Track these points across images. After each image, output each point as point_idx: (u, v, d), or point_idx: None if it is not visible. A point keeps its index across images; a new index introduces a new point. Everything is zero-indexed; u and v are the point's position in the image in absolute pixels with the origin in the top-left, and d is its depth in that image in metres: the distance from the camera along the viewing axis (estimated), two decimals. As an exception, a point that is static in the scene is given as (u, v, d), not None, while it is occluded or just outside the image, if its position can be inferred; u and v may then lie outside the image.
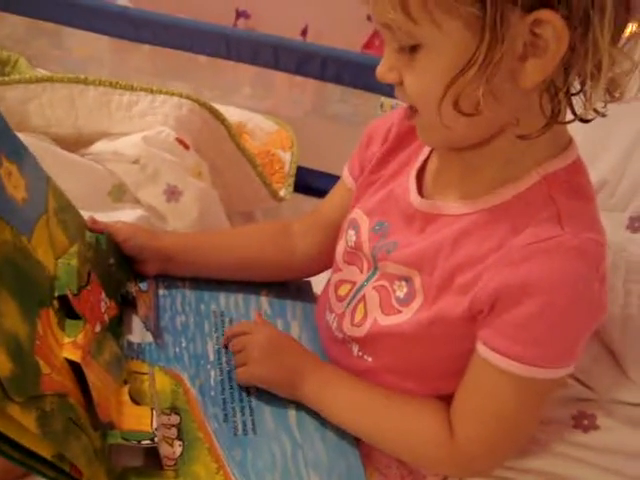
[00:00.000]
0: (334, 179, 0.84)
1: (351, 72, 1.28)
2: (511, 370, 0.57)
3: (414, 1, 0.50)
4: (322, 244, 0.83)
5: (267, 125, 1.33)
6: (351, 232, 0.73)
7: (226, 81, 1.43)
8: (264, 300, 0.83)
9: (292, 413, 0.69)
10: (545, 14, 0.49)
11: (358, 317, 0.71)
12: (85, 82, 0.95)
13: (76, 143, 1.00)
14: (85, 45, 1.51)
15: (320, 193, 0.96)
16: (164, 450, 0.60)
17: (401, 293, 0.66)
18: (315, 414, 0.69)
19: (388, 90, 1.26)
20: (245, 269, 0.83)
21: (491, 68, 0.50)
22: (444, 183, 0.65)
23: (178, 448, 0.61)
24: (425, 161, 0.69)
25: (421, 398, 0.67)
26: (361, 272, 0.72)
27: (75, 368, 0.57)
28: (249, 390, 0.70)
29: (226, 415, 0.67)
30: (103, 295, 0.69)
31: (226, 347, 0.74)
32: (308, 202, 1.29)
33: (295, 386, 0.69)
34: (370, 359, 0.70)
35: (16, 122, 0.92)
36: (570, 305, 0.56)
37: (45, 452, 0.49)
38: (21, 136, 0.65)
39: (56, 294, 0.60)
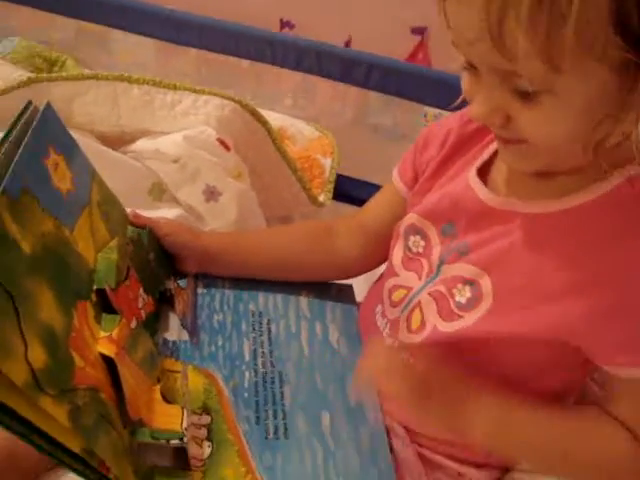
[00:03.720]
0: (374, 188, 0.82)
1: (396, 81, 1.27)
2: None
3: (565, 52, 0.45)
4: (365, 246, 0.81)
5: (308, 131, 1.31)
6: (415, 237, 0.70)
7: (268, 89, 1.43)
8: (303, 301, 0.81)
9: (326, 420, 0.67)
10: None
11: (415, 324, 0.68)
12: (129, 80, 0.96)
13: (119, 141, 1.00)
14: (131, 50, 1.53)
15: (359, 201, 0.95)
16: (192, 450, 0.59)
17: (462, 298, 0.63)
18: (349, 421, 0.67)
19: (432, 100, 1.27)
20: (285, 269, 0.82)
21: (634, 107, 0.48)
22: (519, 182, 0.63)
23: (207, 449, 0.60)
24: (487, 160, 0.67)
25: (585, 408, 0.63)
26: (419, 278, 0.69)
27: (108, 363, 0.56)
28: (283, 393, 0.68)
29: (258, 418, 0.65)
30: (141, 291, 0.68)
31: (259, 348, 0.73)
32: (347, 210, 1.27)
33: (458, 416, 0.61)
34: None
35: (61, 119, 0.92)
36: None
37: (74, 446, 0.48)
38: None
39: (94, 287, 0.59)
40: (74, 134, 0.64)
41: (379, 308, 0.75)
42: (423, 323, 0.66)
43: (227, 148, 0.98)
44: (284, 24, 2.16)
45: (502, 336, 0.60)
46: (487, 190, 0.64)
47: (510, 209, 0.61)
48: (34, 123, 0.57)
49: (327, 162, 1.21)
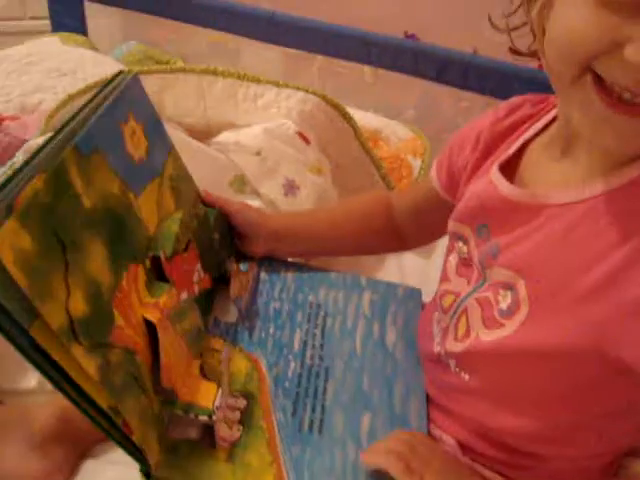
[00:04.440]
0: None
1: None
2: None
3: None
4: (417, 220, 0.82)
5: (403, 132, 1.29)
6: (458, 244, 0.68)
7: (391, 102, 1.43)
8: (366, 300, 0.79)
9: (365, 422, 0.64)
10: None
11: (460, 332, 0.64)
12: (214, 73, 0.98)
13: (205, 133, 1.03)
14: (259, 64, 1.58)
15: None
16: (222, 431, 0.58)
17: (504, 304, 0.58)
18: (390, 426, 0.64)
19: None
20: (354, 243, 0.83)
21: None
22: (544, 172, 0.58)
23: (237, 432, 0.59)
24: (514, 155, 0.63)
25: None
26: (468, 284, 0.66)
27: (152, 331, 0.57)
28: (326, 389, 0.67)
29: (295, 409, 0.64)
30: (198, 266, 0.69)
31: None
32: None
33: None
34: (467, 377, 0.63)
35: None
36: None
37: (102, 401, 0.49)
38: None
39: (150, 254, 0.60)
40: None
41: (436, 315, 0.71)
42: (468, 330, 0.63)
43: (307, 142, 0.98)
44: (408, 37, 2.15)
45: (541, 348, 0.55)
46: (509, 184, 0.59)
47: (537, 202, 0.56)
48: (119, 89, 0.60)
49: (417, 163, 1.18)
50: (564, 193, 0.55)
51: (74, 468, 0.69)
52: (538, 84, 1.14)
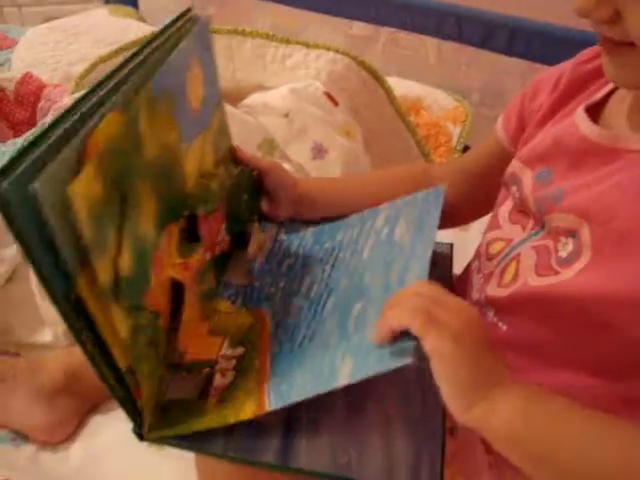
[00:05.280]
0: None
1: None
2: None
3: None
4: (463, 193, 0.75)
5: (446, 101, 1.25)
6: (514, 188, 0.65)
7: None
8: (381, 218, 0.71)
9: (356, 309, 0.58)
10: None
11: (507, 278, 0.61)
12: (243, 34, 0.96)
13: (235, 96, 1.01)
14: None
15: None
16: (216, 381, 0.56)
17: (564, 252, 0.55)
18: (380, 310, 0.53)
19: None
20: None
21: None
22: (633, 116, 0.55)
23: (229, 378, 0.57)
24: (601, 100, 0.60)
25: None
26: (523, 230, 0.63)
27: (176, 291, 0.55)
28: (325, 304, 0.61)
29: (292, 337, 0.59)
30: (223, 227, 0.67)
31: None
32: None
33: (484, 395, 0.47)
34: (505, 327, 0.59)
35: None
36: None
37: (122, 361, 0.47)
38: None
39: (186, 213, 0.58)
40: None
41: (475, 264, 0.68)
42: (516, 277, 0.59)
43: (335, 103, 0.95)
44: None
45: (599, 294, 0.50)
46: (593, 125, 0.56)
47: (616, 145, 0.54)
48: (191, 31, 0.56)
49: (456, 130, 1.14)
50: None
51: (80, 422, 0.69)
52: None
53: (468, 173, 0.76)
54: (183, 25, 0.58)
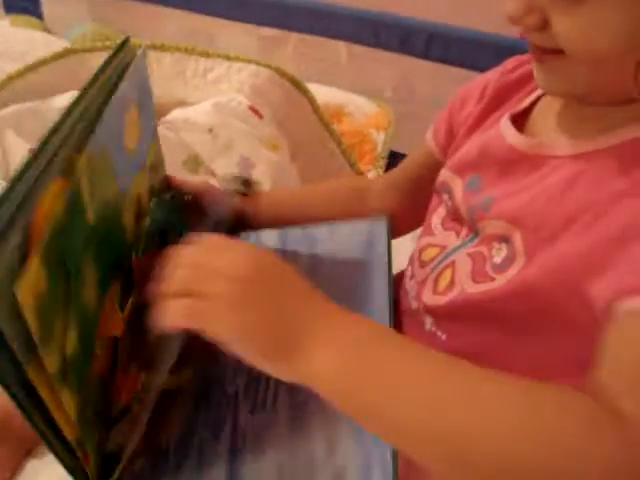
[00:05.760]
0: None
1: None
2: None
3: None
4: (400, 204, 0.76)
5: (368, 107, 1.25)
6: (445, 196, 0.66)
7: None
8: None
9: None
10: None
11: (442, 285, 0.61)
12: (162, 49, 0.94)
13: (155, 113, 0.98)
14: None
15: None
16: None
17: (499, 257, 0.56)
18: None
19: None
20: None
21: None
22: (557, 124, 0.57)
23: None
24: (527, 108, 0.61)
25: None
26: (457, 237, 0.63)
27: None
28: None
29: None
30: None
31: None
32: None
33: (296, 346, 0.41)
34: (444, 336, 0.60)
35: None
36: None
37: (70, 435, 0.45)
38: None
39: (126, 264, 0.54)
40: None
41: (409, 270, 0.68)
42: (451, 284, 0.59)
43: (260, 116, 0.94)
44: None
45: (531, 294, 0.51)
46: (518, 134, 0.58)
47: (543, 152, 0.55)
48: (130, 69, 0.51)
49: (380, 137, 1.15)
50: (571, 145, 0.54)
51: (16, 468, 0.66)
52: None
53: (399, 185, 0.77)
54: (122, 59, 0.54)
